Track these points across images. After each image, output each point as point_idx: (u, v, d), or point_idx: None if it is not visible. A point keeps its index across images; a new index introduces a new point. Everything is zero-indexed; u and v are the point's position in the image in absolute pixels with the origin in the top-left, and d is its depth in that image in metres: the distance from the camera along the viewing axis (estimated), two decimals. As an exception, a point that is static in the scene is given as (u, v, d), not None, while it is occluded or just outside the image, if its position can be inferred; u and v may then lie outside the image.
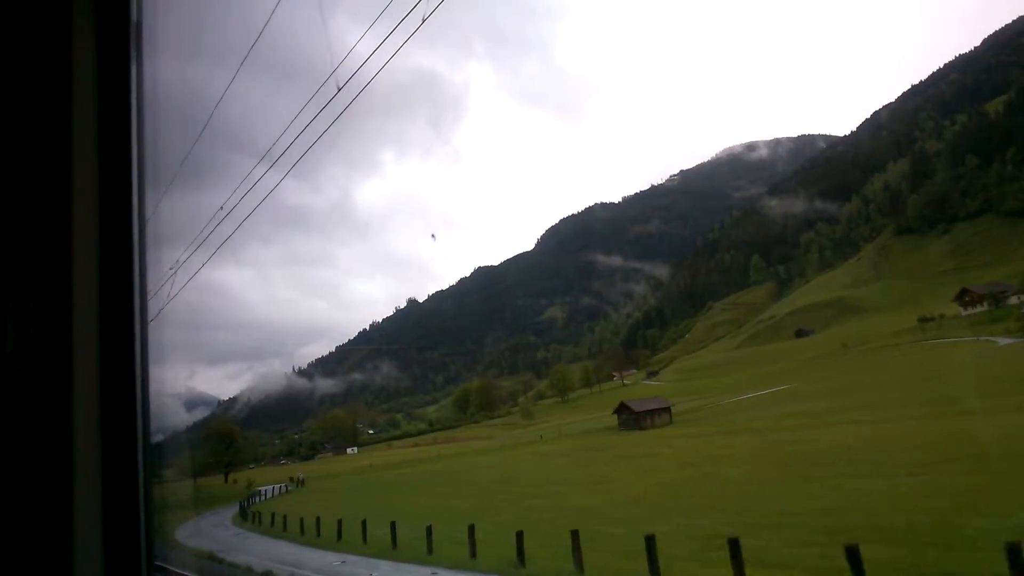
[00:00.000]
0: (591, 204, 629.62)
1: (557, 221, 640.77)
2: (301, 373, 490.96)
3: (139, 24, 2.11)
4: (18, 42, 1.87)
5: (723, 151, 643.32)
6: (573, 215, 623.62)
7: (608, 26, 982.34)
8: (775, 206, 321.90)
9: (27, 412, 1.75)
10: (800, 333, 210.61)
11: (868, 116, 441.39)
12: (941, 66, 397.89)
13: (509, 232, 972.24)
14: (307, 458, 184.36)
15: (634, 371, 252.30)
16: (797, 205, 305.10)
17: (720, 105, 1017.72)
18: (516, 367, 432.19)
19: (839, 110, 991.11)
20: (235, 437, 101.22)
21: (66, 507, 1.77)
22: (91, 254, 1.89)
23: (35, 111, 1.88)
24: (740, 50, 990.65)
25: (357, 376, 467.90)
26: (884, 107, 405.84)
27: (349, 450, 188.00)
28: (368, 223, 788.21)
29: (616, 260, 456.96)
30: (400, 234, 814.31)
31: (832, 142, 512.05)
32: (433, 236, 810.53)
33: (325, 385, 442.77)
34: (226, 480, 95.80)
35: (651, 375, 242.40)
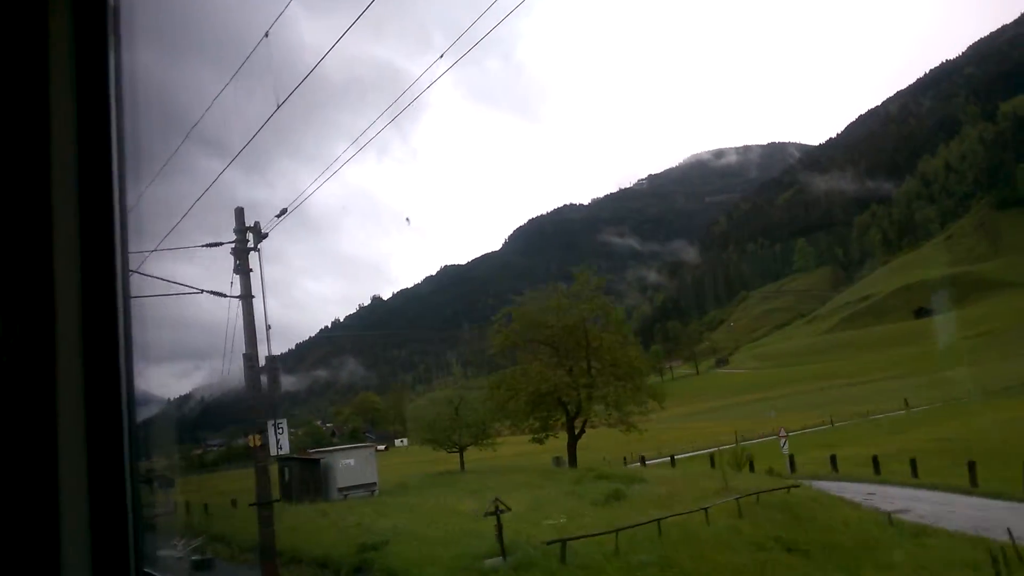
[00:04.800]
0: (560, 205, 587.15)
1: (525, 221, 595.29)
2: (259, 369, 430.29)
3: (116, 8, 1.97)
4: None
5: (691, 156, 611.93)
6: (542, 215, 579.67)
7: (572, 27, 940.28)
8: (813, 188, 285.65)
9: (11, 403, 1.65)
10: (921, 312, 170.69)
11: (861, 113, 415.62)
12: (925, 72, 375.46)
13: (473, 232, 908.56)
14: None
15: (680, 362, 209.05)
16: (841, 188, 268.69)
17: (688, 110, 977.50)
18: (495, 366, 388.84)
19: (808, 120, 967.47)
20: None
21: (52, 501, 1.65)
22: (72, 244, 1.76)
23: (12, 99, 1.74)
24: (708, 57, 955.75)
25: (321, 373, 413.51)
26: (886, 102, 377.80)
27: (398, 441, 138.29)
28: (408, 219, 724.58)
29: (631, 242, 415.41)
30: (353, 234, 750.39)
31: (806, 150, 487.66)
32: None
33: (286, 382, 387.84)
34: (572, 460, 44.06)
35: (721, 363, 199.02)
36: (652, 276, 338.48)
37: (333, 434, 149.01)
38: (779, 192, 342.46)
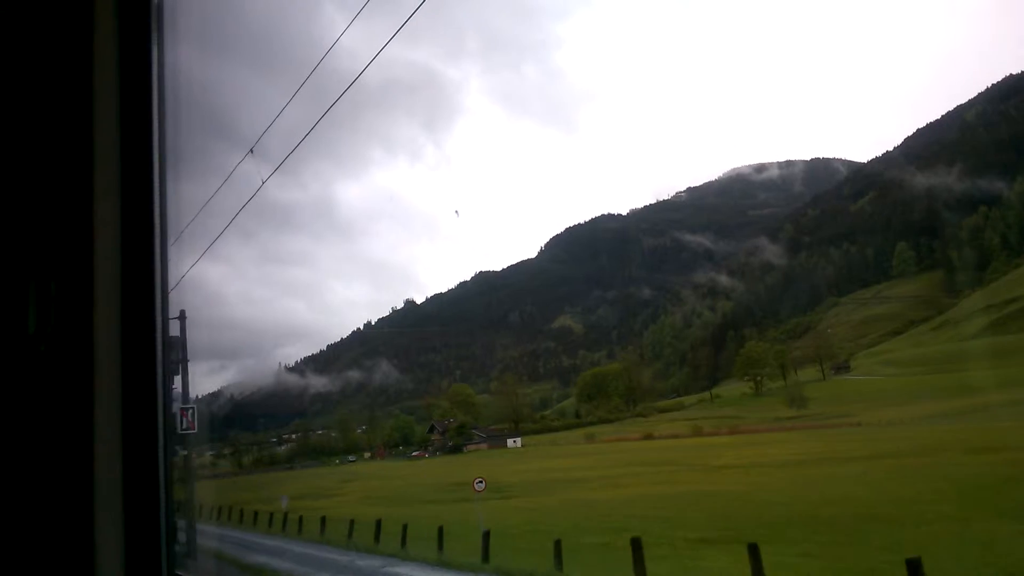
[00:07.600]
0: (597, 215, 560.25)
1: (562, 230, 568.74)
2: (291, 369, 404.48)
3: (160, 6, 1.95)
4: (40, 23, 1.72)
5: (731, 170, 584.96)
6: (579, 224, 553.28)
7: (610, 35, 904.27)
8: (896, 193, 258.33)
9: (49, 393, 1.63)
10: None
11: (919, 127, 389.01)
12: (989, 84, 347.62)
13: (508, 239, 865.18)
14: (455, 450, 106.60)
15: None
16: (936, 192, 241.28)
17: (729, 124, 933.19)
18: (537, 374, 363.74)
19: (852, 135, 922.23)
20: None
21: (87, 497, 1.62)
22: (113, 236, 1.74)
23: (57, 93, 1.72)
24: (750, 70, 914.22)
25: (354, 374, 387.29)
26: (949, 113, 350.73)
27: (511, 442, 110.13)
28: (457, 211, 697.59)
29: (703, 240, 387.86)
30: (383, 238, 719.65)
31: (853, 167, 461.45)
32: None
33: (318, 383, 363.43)
34: None
35: (840, 369, 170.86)
36: (722, 280, 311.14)
37: (432, 430, 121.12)
38: (840, 200, 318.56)
